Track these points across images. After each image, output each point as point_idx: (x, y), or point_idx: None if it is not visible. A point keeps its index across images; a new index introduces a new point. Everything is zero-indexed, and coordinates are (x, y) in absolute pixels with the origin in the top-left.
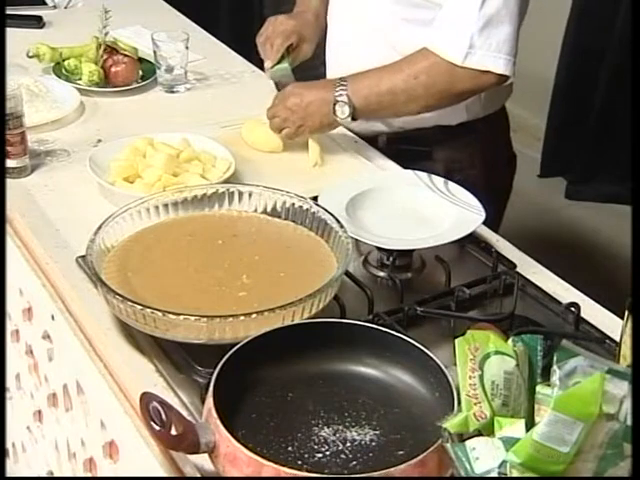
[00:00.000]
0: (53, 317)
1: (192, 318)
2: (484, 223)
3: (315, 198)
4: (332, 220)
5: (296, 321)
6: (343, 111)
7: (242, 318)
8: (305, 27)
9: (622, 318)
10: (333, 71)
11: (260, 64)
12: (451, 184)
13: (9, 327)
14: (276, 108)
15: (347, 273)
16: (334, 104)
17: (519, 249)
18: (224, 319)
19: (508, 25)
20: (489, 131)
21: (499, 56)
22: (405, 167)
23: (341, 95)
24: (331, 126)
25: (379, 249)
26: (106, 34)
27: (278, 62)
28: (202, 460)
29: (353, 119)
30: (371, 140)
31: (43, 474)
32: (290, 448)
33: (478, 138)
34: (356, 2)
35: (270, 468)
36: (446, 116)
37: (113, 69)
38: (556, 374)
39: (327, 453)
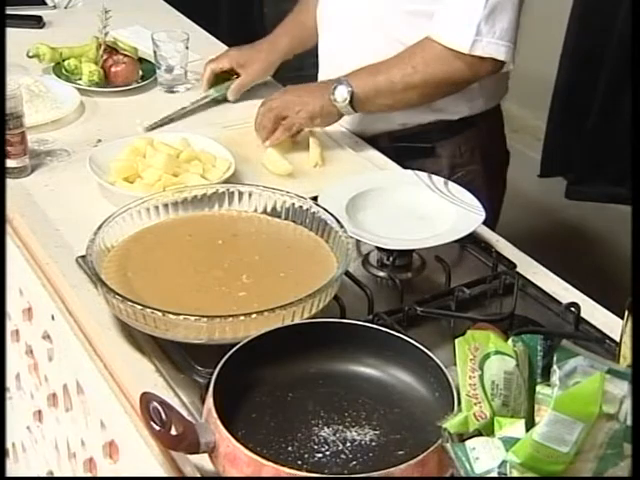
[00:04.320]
0: (53, 317)
1: (192, 318)
2: (485, 220)
3: (315, 198)
4: (332, 220)
5: (296, 321)
6: (342, 94)
7: (242, 318)
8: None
9: (622, 318)
10: (325, 69)
11: None
12: (451, 184)
13: (9, 327)
14: (273, 102)
15: (347, 273)
16: (334, 88)
17: (519, 249)
18: (224, 319)
19: (511, 12)
20: (488, 126)
21: (502, 43)
22: (408, 164)
23: (340, 82)
24: (330, 115)
25: (379, 249)
26: (106, 34)
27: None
28: (202, 460)
29: (352, 108)
30: (372, 140)
31: (43, 474)
32: (290, 448)
33: (479, 133)
34: None
35: (270, 468)
36: (448, 110)
37: (113, 69)
38: (556, 374)
39: (327, 453)
